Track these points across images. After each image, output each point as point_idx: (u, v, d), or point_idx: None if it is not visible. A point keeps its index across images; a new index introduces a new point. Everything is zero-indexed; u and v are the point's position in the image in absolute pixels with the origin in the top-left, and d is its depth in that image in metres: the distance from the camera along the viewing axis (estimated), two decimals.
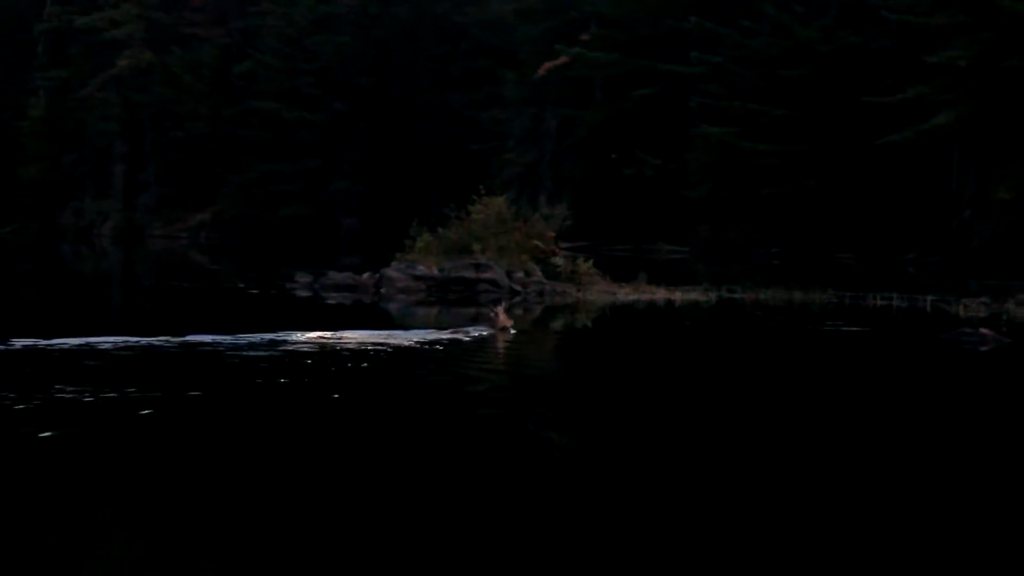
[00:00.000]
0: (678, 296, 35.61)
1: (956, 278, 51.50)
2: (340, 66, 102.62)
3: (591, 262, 37.82)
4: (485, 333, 23.37)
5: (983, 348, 22.16)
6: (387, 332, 23.17)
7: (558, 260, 37.52)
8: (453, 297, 34.63)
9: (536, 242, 37.58)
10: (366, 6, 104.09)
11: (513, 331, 23.65)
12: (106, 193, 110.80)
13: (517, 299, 34.46)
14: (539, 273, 36.68)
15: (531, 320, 29.52)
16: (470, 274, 35.72)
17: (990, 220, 69.12)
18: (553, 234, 38.61)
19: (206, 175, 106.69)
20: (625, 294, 35.76)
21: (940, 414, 15.76)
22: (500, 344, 22.28)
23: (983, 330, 22.96)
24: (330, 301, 33.42)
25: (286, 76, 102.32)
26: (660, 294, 35.96)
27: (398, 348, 20.90)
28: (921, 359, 21.82)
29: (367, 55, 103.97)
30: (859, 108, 74.91)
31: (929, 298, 34.79)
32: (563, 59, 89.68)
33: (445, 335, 22.95)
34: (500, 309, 23.74)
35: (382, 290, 35.72)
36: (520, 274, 36.28)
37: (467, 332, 23.33)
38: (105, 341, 19.95)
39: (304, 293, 35.84)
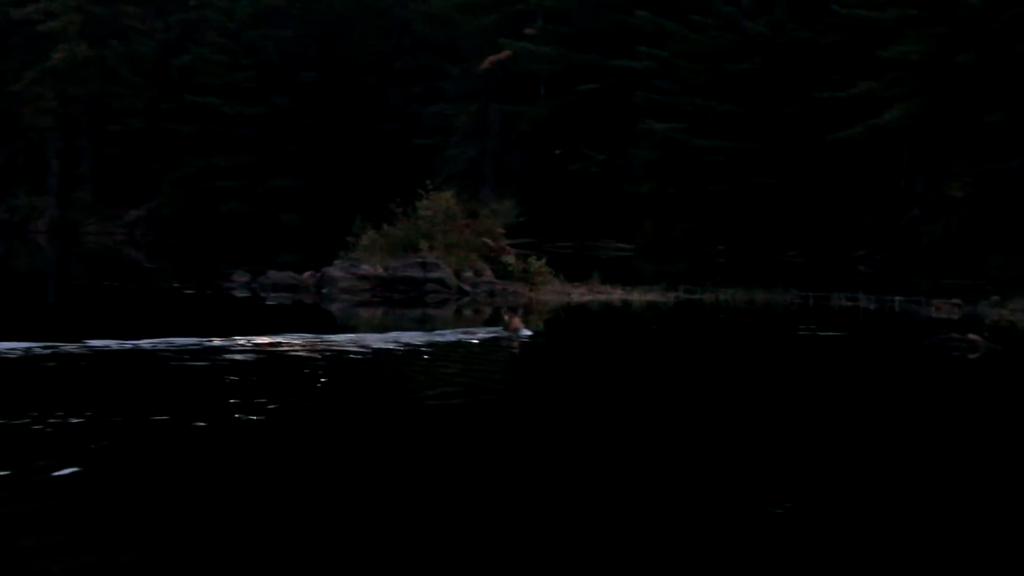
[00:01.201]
0: (635, 297, 34.34)
1: (906, 276, 50.65)
2: (281, 61, 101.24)
3: (543, 260, 36.43)
4: (498, 335, 23.34)
5: (972, 355, 20.77)
6: (422, 333, 23.24)
7: (509, 258, 36.11)
8: (399, 297, 33.19)
9: (486, 240, 36.19)
10: (308, 1, 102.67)
11: (529, 333, 23.22)
12: (41, 188, 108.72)
13: (466, 300, 33.15)
14: (489, 272, 35.32)
15: (481, 322, 28.04)
16: (417, 273, 34.27)
17: (940, 218, 68.36)
18: (503, 231, 37.30)
19: (143, 170, 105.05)
20: (579, 295, 34.44)
21: (953, 433, 14.28)
22: (515, 346, 22.07)
23: (971, 336, 21.53)
24: (270, 302, 31.88)
25: (226, 70, 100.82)
26: (616, 294, 34.69)
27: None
28: (913, 369, 20.23)
29: (309, 50, 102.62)
30: (809, 104, 74.17)
31: (897, 299, 33.69)
32: (507, 53, 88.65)
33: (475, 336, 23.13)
34: (516, 314, 23.54)
35: (324, 290, 34.24)
36: (469, 273, 34.90)
37: (477, 334, 23.48)
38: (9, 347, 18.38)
39: (242, 293, 34.29)
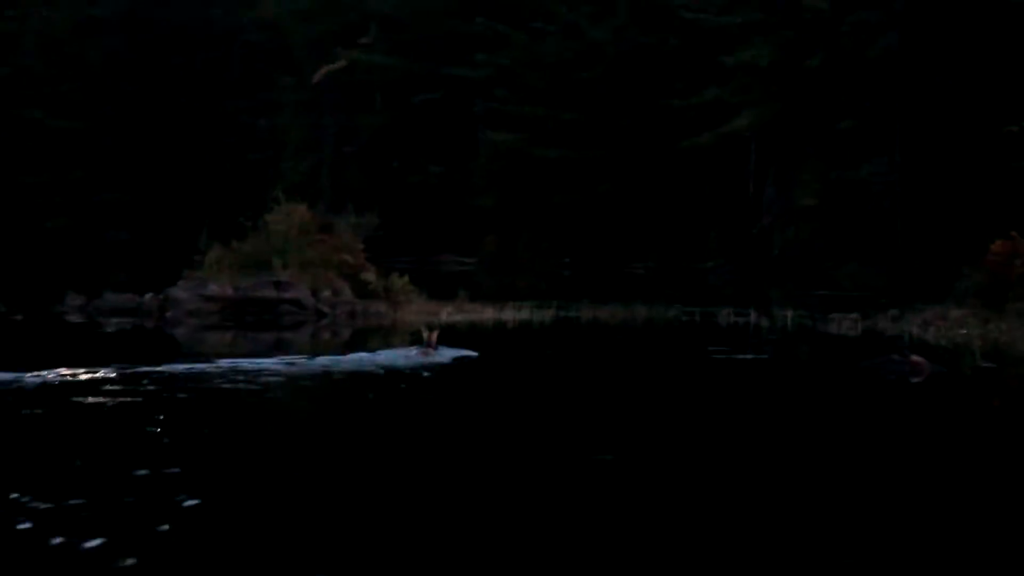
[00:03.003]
0: (508, 315, 32.19)
1: (757, 286, 49.44)
2: (108, 72, 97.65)
3: (406, 278, 34.17)
4: (420, 356, 20.38)
5: (916, 379, 18.72)
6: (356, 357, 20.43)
7: (369, 276, 33.78)
8: (251, 319, 30.61)
9: (345, 256, 33.81)
10: (134, 10, 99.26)
11: (458, 353, 21.02)
12: None
13: (325, 321, 30.72)
14: (348, 291, 32.93)
15: (341, 344, 25.52)
16: (270, 293, 31.74)
17: (790, 226, 67.50)
18: (362, 246, 34.96)
19: None
20: (447, 313, 32.16)
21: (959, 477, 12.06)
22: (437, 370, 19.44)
23: (914, 357, 19.51)
24: (108, 328, 29.02)
25: (49, 83, 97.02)
26: (488, 313, 32.52)
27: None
28: (869, 398, 17.45)
29: (137, 60, 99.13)
30: (655, 112, 73.12)
31: (788, 313, 31.99)
32: (342, 63, 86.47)
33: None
34: (434, 333, 20.92)
35: (168, 313, 31.52)
36: (327, 292, 32.47)
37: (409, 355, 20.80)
38: None
39: (76, 318, 31.38)
